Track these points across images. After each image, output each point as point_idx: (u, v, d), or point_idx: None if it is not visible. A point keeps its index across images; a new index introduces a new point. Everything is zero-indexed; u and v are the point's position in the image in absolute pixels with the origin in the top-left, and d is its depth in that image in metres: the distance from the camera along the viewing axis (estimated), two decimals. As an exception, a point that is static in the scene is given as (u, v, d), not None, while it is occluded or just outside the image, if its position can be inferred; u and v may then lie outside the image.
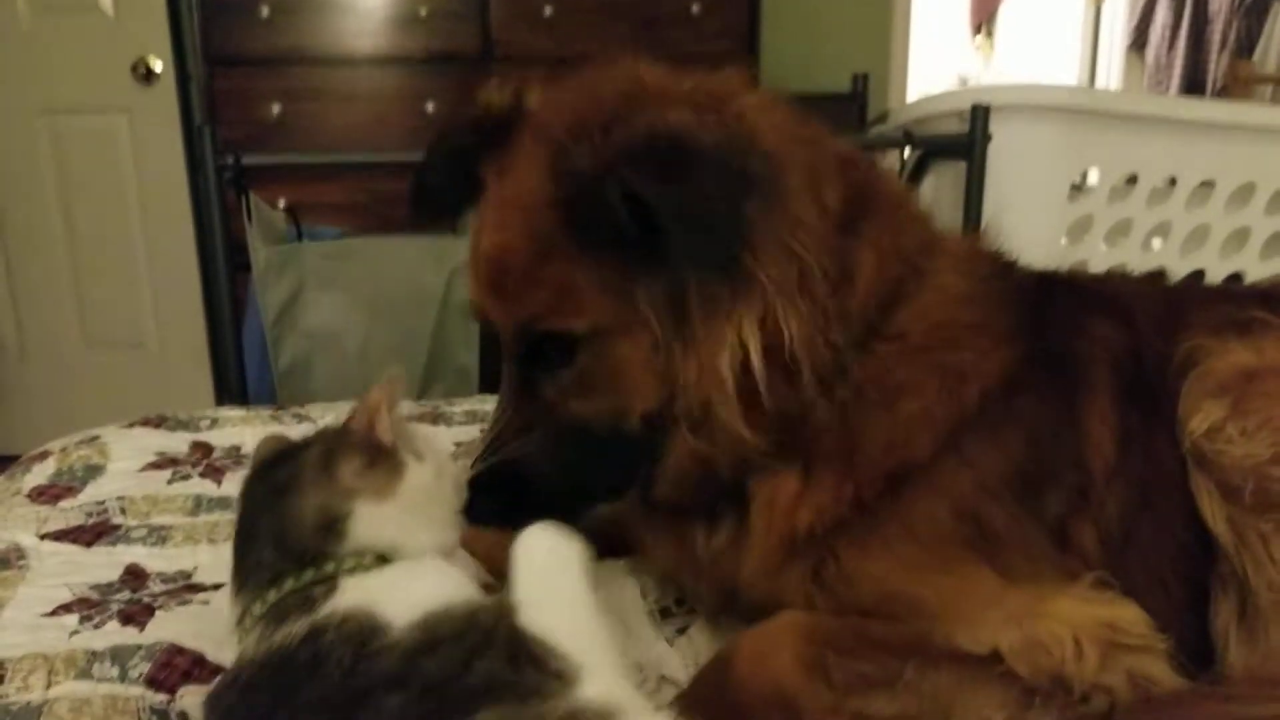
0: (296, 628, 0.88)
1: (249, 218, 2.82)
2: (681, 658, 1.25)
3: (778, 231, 1.10)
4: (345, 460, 0.99)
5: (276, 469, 1.02)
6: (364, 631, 0.86)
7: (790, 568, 1.20)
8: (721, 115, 1.13)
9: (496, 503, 1.19)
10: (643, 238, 1.08)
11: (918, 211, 1.33)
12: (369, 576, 0.94)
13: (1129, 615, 1.13)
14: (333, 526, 0.96)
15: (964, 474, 1.18)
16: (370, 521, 0.97)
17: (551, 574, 0.97)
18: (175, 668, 1.17)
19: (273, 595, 0.93)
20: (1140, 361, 1.30)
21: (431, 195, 1.35)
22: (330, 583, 0.92)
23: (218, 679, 0.96)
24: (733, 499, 1.25)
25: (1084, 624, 1.11)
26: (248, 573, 0.98)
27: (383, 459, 1.00)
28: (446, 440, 2.03)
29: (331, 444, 1.01)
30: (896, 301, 1.22)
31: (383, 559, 0.96)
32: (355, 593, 0.91)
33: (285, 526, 0.96)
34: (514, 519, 1.12)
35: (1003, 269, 1.34)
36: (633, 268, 1.11)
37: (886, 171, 1.33)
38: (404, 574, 0.96)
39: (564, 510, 1.17)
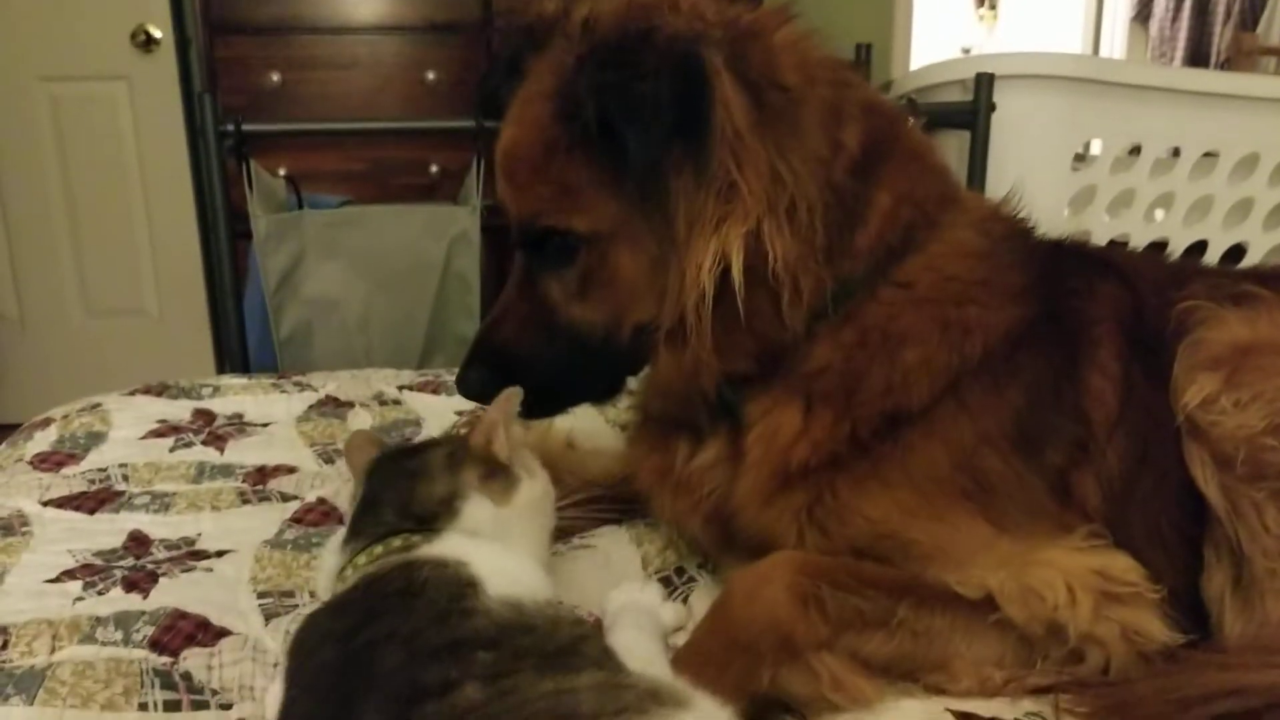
0: (391, 559, 0.95)
1: (249, 185, 2.81)
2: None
3: (770, 152, 1.12)
4: (468, 467, 1.10)
5: (407, 458, 1.14)
6: (459, 581, 0.91)
7: (783, 500, 1.22)
8: (738, 38, 1.15)
9: (485, 378, 1.28)
10: (614, 134, 1.11)
11: (939, 165, 1.34)
12: (469, 537, 1.02)
13: (1121, 564, 1.15)
14: (453, 502, 1.05)
15: (964, 422, 1.20)
16: (484, 512, 1.07)
17: (633, 621, 1.14)
18: (179, 631, 1.18)
19: (379, 550, 1.00)
20: (1142, 319, 1.31)
21: (492, 94, 1.37)
22: (433, 531, 1.02)
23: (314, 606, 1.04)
24: (721, 418, 1.28)
25: (1076, 572, 1.13)
26: (362, 529, 1.06)
27: (500, 472, 1.12)
28: (448, 409, 2.03)
29: (455, 450, 1.13)
30: (908, 249, 1.24)
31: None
32: (454, 544, 0.99)
33: (411, 497, 1.07)
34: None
35: (1020, 232, 1.36)
36: (623, 170, 1.13)
37: (912, 124, 1.36)
38: (500, 549, 1.03)
39: (546, 402, 1.32)
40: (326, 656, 0.84)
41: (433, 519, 1.03)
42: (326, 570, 1.06)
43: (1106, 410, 1.25)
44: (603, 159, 1.14)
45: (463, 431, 1.16)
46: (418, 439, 1.17)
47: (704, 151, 1.10)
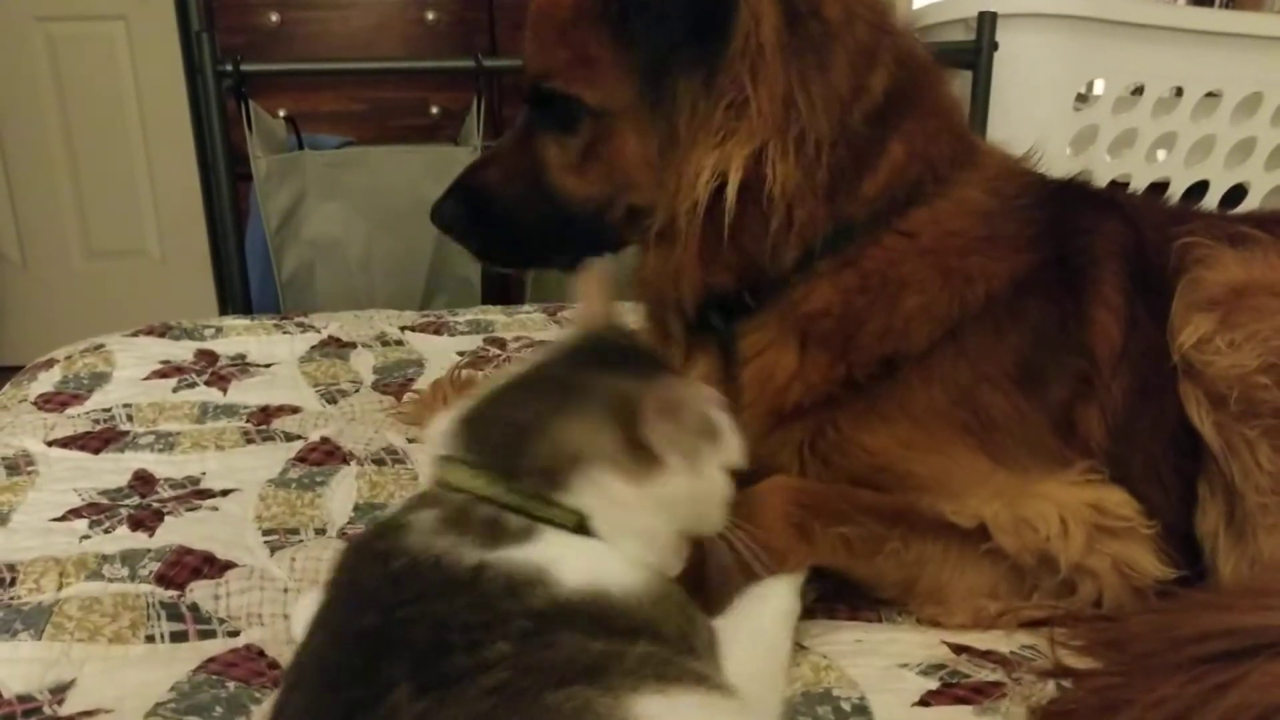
0: (468, 555, 0.80)
1: (249, 126, 2.80)
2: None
3: (791, 78, 1.12)
4: (613, 427, 0.87)
5: (589, 370, 0.92)
6: (530, 584, 0.79)
7: (782, 434, 1.23)
8: None
9: (458, 214, 1.31)
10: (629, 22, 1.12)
11: (960, 124, 1.33)
12: (567, 540, 0.84)
13: (1115, 499, 1.16)
14: (562, 473, 0.85)
15: (962, 364, 1.20)
16: (605, 489, 0.86)
17: (765, 621, 0.99)
18: (185, 565, 1.20)
19: (481, 485, 0.85)
20: (1144, 255, 1.32)
21: None
22: (529, 525, 0.83)
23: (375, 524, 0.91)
24: (702, 333, 1.29)
25: (1070, 504, 1.14)
26: (478, 428, 0.89)
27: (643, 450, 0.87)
28: (450, 349, 2.04)
29: (624, 400, 0.87)
30: (914, 201, 1.24)
31: (581, 526, 0.85)
32: (547, 550, 0.82)
33: (526, 443, 0.86)
34: (467, 237, 1.33)
35: (1032, 189, 1.33)
36: (639, 57, 1.14)
37: (945, 81, 1.34)
38: (598, 552, 0.85)
39: (512, 253, 1.36)
40: (365, 622, 0.77)
41: (539, 478, 0.85)
42: (435, 429, 0.91)
43: (1111, 344, 1.26)
44: (623, 38, 1.15)
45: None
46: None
47: (719, 60, 1.10)
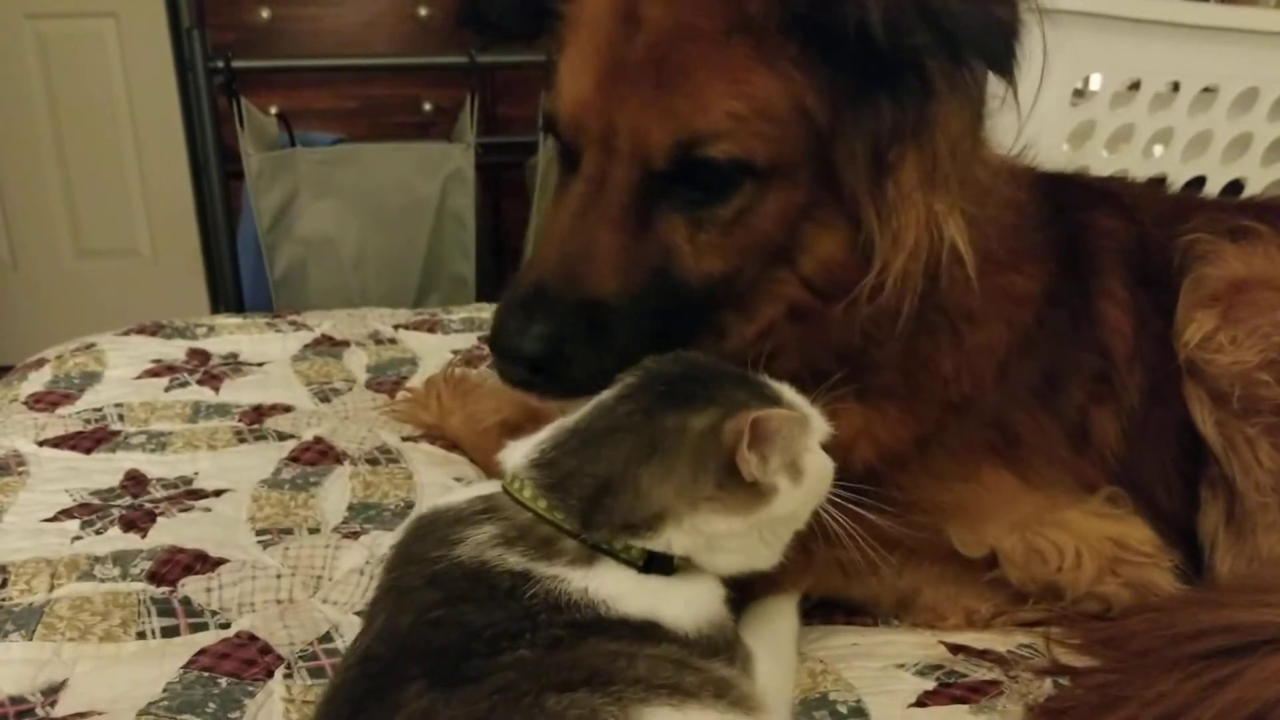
0: (513, 561, 0.80)
1: (241, 123, 2.79)
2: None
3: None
4: (710, 468, 0.83)
5: (665, 412, 0.85)
6: (576, 606, 0.78)
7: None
8: None
9: (568, 340, 0.98)
10: (886, 54, 0.93)
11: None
12: (628, 575, 0.83)
13: (1138, 535, 1.14)
14: (650, 525, 0.82)
15: (1004, 390, 1.18)
16: (704, 528, 0.83)
17: (780, 640, 1.01)
18: (177, 564, 1.19)
19: (543, 505, 0.84)
20: (1145, 249, 1.30)
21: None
22: (588, 555, 0.82)
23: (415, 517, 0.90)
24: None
25: (1090, 537, 1.12)
26: (555, 476, 0.86)
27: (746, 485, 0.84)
28: (444, 348, 2.03)
29: (712, 440, 0.83)
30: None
31: (650, 563, 0.84)
32: (604, 583, 0.80)
33: (624, 490, 0.83)
34: (568, 371, 0.98)
35: (1028, 189, 1.29)
36: (852, 96, 0.97)
37: None
38: (663, 589, 0.83)
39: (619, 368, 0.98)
40: (400, 622, 0.78)
41: (620, 528, 0.82)
42: (510, 458, 0.89)
43: (1124, 339, 1.24)
44: (834, 81, 0.97)
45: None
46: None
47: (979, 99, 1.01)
